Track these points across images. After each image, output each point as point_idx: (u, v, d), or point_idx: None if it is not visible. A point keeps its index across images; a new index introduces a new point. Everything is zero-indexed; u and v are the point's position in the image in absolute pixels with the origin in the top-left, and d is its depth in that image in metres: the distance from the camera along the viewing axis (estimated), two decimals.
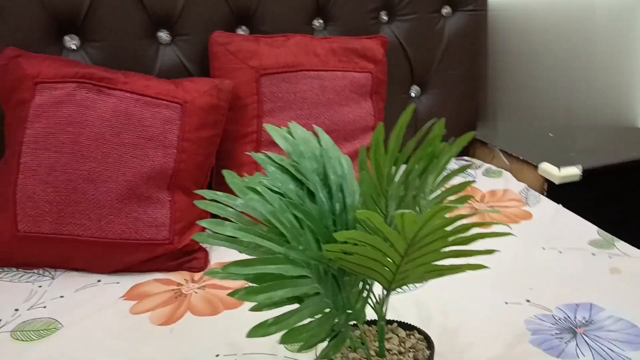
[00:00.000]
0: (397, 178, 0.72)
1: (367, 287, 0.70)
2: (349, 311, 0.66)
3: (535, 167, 1.56)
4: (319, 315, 0.60)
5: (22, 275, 1.16)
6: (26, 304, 1.08)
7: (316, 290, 0.60)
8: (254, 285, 0.55)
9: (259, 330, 0.55)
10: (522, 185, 1.55)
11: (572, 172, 1.49)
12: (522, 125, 1.88)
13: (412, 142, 0.71)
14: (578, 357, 0.91)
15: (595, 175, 1.53)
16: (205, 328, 1.01)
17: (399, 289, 1.09)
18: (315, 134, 0.76)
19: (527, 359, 0.91)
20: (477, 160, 1.73)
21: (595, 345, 0.93)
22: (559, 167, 1.50)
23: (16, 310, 1.06)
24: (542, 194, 1.52)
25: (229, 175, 0.73)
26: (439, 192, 0.81)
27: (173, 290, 1.12)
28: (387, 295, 0.67)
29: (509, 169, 1.64)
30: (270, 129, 0.71)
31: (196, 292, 1.11)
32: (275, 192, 0.65)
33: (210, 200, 0.72)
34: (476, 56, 1.68)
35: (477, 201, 1.46)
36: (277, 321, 0.56)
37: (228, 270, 0.56)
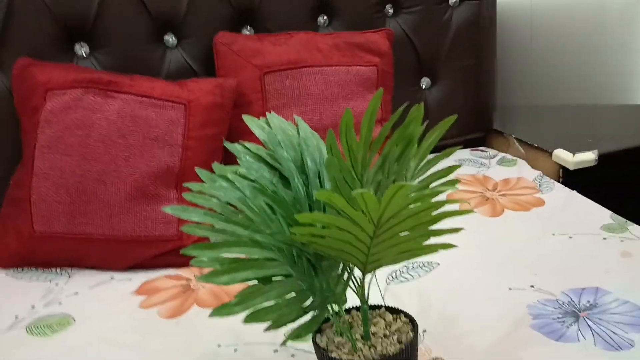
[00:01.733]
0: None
1: (348, 270, 0.72)
2: (327, 294, 0.67)
3: (550, 154, 1.54)
4: (290, 296, 0.61)
5: (40, 275, 1.21)
6: (42, 300, 1.12)
7: (286, 272, 0.62)
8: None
9: (222, 310, 0.57)
10: (537, 172, 1.53)
11: (587, 157, 1.47)
12: (538, 113, 1.85)
13: (387, 125, 0.72)
14: (579, 340, 0.89)
15: (612, 160, 1.50)
16: (210, 320, 1.03)
17: (401, 278, 1.10)
18: (296, 124, 0.77)
19: (526, 343, 0.90)
20: (492, 150, 1.72)
21: (598, 328, 0.92)
22: (573, 153, 1.48)
23: (33, 307, 1.10)
24: (558, 181, 1.49)
25: (216, 167, 0.76)
26: (422, 177, 0.81)
27: (182, 285, 1.15)
28: (364, 277, 0.68)
29: (524, 157, 1.62)
30: (247, 119, 0.73)
31: (204, 287, 1.14)
32: (249, 180, 0.67)
33: (198, 192, 0.75)
34: (486, 45, 1.66)
35: (489, 189, 1.45)
36: (242, 300, 0.58)
37: (188, 251, 0.58)
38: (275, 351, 0.93)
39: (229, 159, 1.33)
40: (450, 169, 0.83)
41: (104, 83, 1.19)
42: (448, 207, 0.62)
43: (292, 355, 0.91)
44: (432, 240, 0.64)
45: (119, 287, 1.16)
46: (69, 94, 1.17)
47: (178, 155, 1.19)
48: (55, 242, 1.17)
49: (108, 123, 1.17)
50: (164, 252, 1.19)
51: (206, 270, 1.18)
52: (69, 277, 1.21)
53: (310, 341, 0.94)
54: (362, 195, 0.56)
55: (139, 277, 1.19)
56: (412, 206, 0.60)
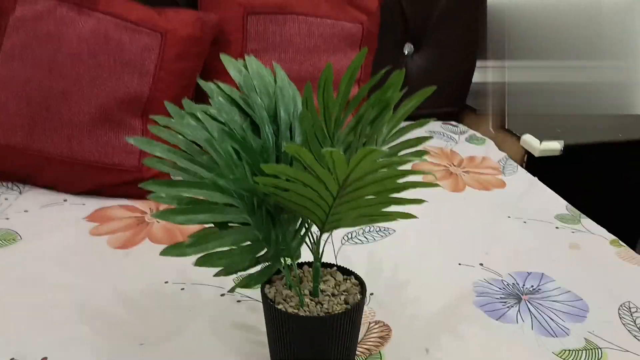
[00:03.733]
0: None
1: (306, 226, 0.71)
2: (282, 247, 0.67)
3: (519, 138, 1.55)
4: (244, 244, 0.61)
5: None
6: None
7: (245, 220, 0.61)
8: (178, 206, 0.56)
9: (174, 250, 0.56)
10: (502, 154, 1.54)
11: (553, 146, 1.49)
12: (515, 97, 1.86)
13: (365, 87, 0.71)
14: (517, 322, 0.92)
15: (577, 153, 1.52)
16: (159, 256, 1.02)
17: (355, 240, 1.10)
18: (273, 71, 0.75)
19: (467, 319, 0.92)
20: (462, 126, 1.72)
21: (537, 312, 0.95)
22: (540, 141, 1.50)
23: None
24: (521, 166, 1.51)
25: (186, 104, 0.73)
26: (393, 144, 0.81)
27: (136, 217, 1.13)
28: (320, 235, 0.68)
29: (493, 138, 1.63)
30: (224, 58, 0.70)
31: (158, 222, 1.12)
32: (219, 122, 0.65)
33: (164, 126, 0.73)
34: (475, 20, 1.65)
35: (454, 165, 1.46)
36: (195, 243, 0.57)
37: (147, 185, 0.57)
38: (222, 295, 0.93)
39: (200, 98, 1.30)
40: (420, 140, 0.82)
41: None
42: (413, 178, 0.62)
43: (238, 301, 0.92)
44: (394, 208, 0.64)
45: (71, 211, 1.14)
46: (41, 3, 1.12)
47: (148, 85, 1.16)
48: (10, 155, 1.13)
49: (79, 40, 1.12)
50: (121, 181, 1.17)
51: (163, 206, 1.17)
52: (20, 193, 1.18)
53: (258, 289, 0.95)
54: (331, 154, 0.55)
55: (93, 204, 1.17)
56: (378, 172, 0.60)
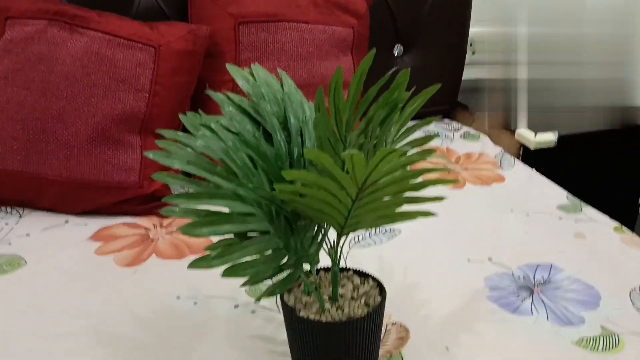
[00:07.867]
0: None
1: (322, 231, 0.71)
2: (302, 254, 0.66)
3: (513, 132, 1.56)
4: (267, 253, 0.60)
5: None
6: None
7: (266, 228, 0.60)
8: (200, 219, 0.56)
9: (201, 263, 0.55)
10: (499, 149, 1.55)
11: (548, 138, 1.50)
12: (505, 91, 1.87)
13: (374, 89, 0.71)
14: (532, 314, 0.92)
15: (571, 143, 1.54)
16: (169, 271, 1.01)
17: (363, 243, 1.10)
18: (280, 78, 0.75)
19: (483, 315, 0.92)
20: (456, 123, 1.73)
21: (551, 303, 0.95)
22: (535, 133, 1.51)
23: None
24: (518, 159, 1.52)
25: (196, 117, 0.73)
26: (401, 143, 0.81)
27: (140, 234, 1.12)
28: (339, 239, 0.67)
29: (487, 133, 1.64)
30: (231, 68, 0.70)
31: (163, 237, 1.11)
32: (232, 133, 0.64)
33: (172, 140, 0.72)
34: (461, 19, 1.66)
35: (453, 162, 1.47)
36: (220, 255, 0.56)
37: (170, 199, 0.56)
38: (236, 306, 0.92)
39: (195, 110, 1.30)
40: (427, 139, 0.83)
41: (70, 16, 1.13)
42: (429, 176, 0.62)
43: (253, 312, 0.91)
44: (413, 207, 0.64)
45: (74, 232, 1.12)
46: (31, 25, 1.11)
47: (144, 101, 1.15)
48: (8, 180, 1.12)
49: (72, 60, 1.11)
50: (122, 199, 1.16)
51: (166, 221, 1.15)
52: (20, 217, 1.16)
53: (270, 299, 0.94)
54: (351, 157, 0.55)
55: (95, 223, 1.15)
56: (396, 172, 0.60)
